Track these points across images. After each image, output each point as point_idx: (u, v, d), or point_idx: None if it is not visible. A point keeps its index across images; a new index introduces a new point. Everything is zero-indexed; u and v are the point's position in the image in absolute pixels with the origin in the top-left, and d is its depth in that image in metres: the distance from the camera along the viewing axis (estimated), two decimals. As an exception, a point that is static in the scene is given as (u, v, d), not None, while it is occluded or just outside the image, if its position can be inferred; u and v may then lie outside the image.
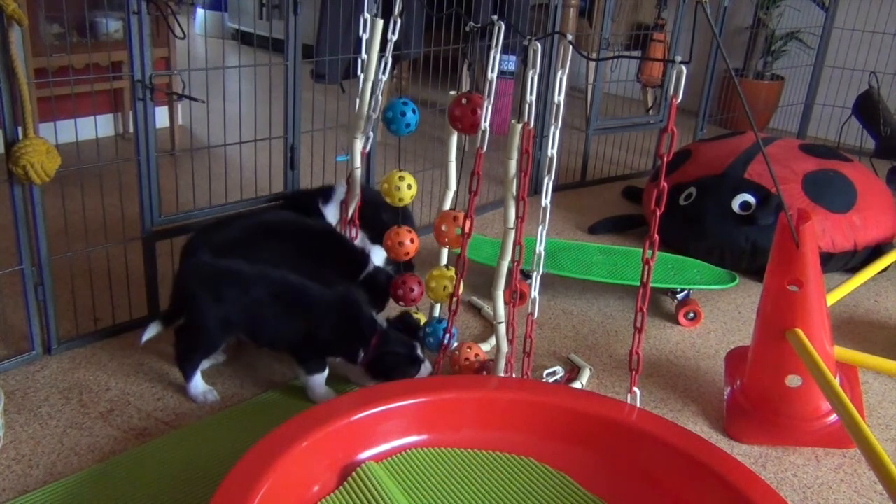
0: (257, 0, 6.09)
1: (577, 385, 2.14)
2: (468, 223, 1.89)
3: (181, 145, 3.76)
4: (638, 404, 1.80)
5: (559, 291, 2.70)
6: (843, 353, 2.12)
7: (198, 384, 1.99)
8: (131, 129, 3.55)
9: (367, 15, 2.18)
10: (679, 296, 2.60)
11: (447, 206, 2.09)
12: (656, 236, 1.71)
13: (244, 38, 6.00)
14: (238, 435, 1.86)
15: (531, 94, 1.78)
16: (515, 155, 1.81)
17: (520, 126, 1.79)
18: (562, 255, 2.71)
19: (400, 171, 2.11)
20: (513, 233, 1.85)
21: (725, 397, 2.13)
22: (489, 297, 1.99)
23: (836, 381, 1.74)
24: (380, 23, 2.12)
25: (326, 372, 2.00)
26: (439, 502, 1.64)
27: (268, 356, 2.18)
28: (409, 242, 2.10)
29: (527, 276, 2.51)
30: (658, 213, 1.70)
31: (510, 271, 1.89)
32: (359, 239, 2.36)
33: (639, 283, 1.76)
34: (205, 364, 2.04)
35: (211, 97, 2.45)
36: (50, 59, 3.09)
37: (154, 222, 2.21)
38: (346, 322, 1.97)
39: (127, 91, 3.59)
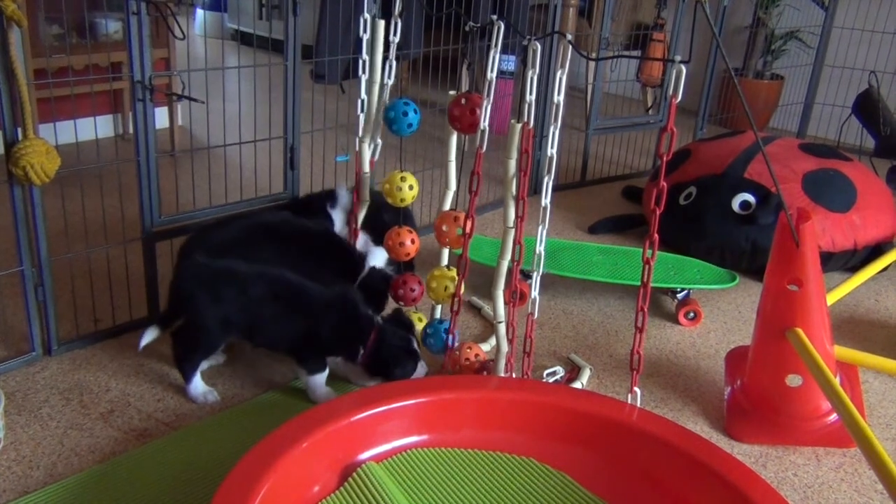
0: (257, 0, 6.09)
1: (577, 385, 2.14)
2: (469, 223, 1.89)
3: (181, 146, 3.76)
4: (638, 404, 1.80)
5: (559, 291, 2.70)
6: (843, 352, 2.12)
7: (198, 385, 1.99)
8: (131, 130, 3.56)
9: (366, 15, 2.17)
10: (679, 295, 2.60)
11: (447, 206, 2.09)
12: (656, 236, 1.71)
13: (244, 39, 5.99)
14: (238, 435, 1.86)
15: (531, 93, 1.78)
16: (515, 155, 1.81)
17: (519, 126, 1.79)
18: (562, 255, 2.71)
19: (401, 171, 2.11)
20: (513, 232, 1.85)
21: (726, 397, 2.13)
22: (489, 296, 1.99)
23: (836, 381, 1.74)
24: (382, 24, 2.12)
25: (327, 372, 2.00)
26: (440, 502, 1.64)
27: (268, 357, 2.18)
28: (410, 243, 2.10)
29: (527, 275, 2.51)
30: (658, 213, 1.70)
31: (510, 271, 1.89)
32: (361, 240, 2.35)
33: (639, 283, 1.76)
34: (204, 365, 2.04)
35: (210, 98, 2.45)
36: (49, 60, 3.09)
37: (154, 223, 2.21)
38: (346, 320, 1.98)
39: (126, 92, 3.59)
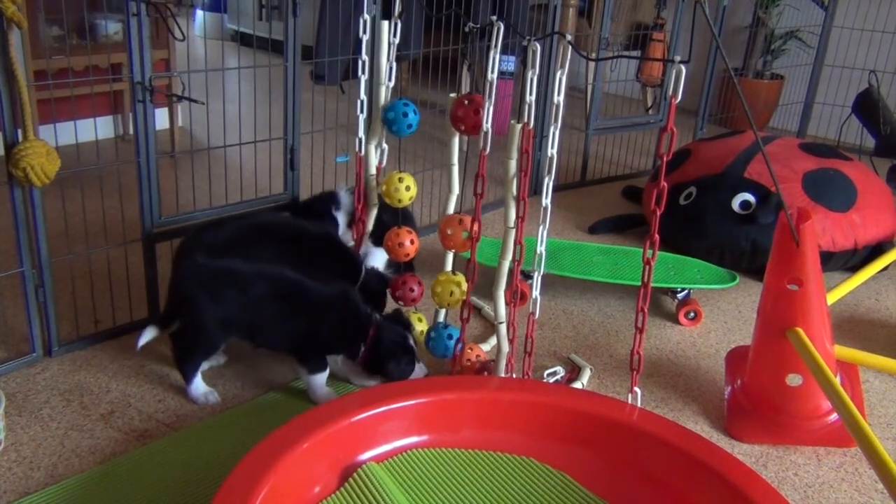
0: (257, 1, 6.09)
1: (577, 385, 2.14)
2: (476, 227, 1.89)
3: (181, 147, 3.76)
4: (639, 404, 1.80)
5: (560, 291, 2.70)
6: (843, 351, 2.12)
7: (198, 386, 1.99)
8: (131, 131, 3.56)
9: (366, 16, 2.18)
10: (679, 295, 2.60)
11: (451, 209, 2.09)
12: (657, 236, 1.71)
13: (243, 40, 6.00)
14: (239, 436, 1.86)
15: (531, 94, 1.78)
16: (515, 155, 1.81)
17: (519, 126, 1.79)
18: (562, 255, 2.71)
19: (400, 172, 2.11)
20: (513, 233, 1.85)
21: (726, 397, 2.13)
22: (490, 297, 1.99)
23: (836, 380, 1.74)
24: (385, 25, 2.12)
25: (327, 371, 2.00)
26: (440, 503, 1.64)
27: (268, 357, 2.18)
28: (409, 243, 2.10)
29: (527, 276, 2.51)
30: (658, 213, 1.70)
31: (511, 271, 1.89)
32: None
33: (639, 283, 1.76)
34: (205, 366, 2.04)
35: (210, 98, 2.45)
36: (49, 62, 3.09)
37: (154, 224, 2.21)
38: (346, 318, 1.98)
39: (126, 93, 3.59)
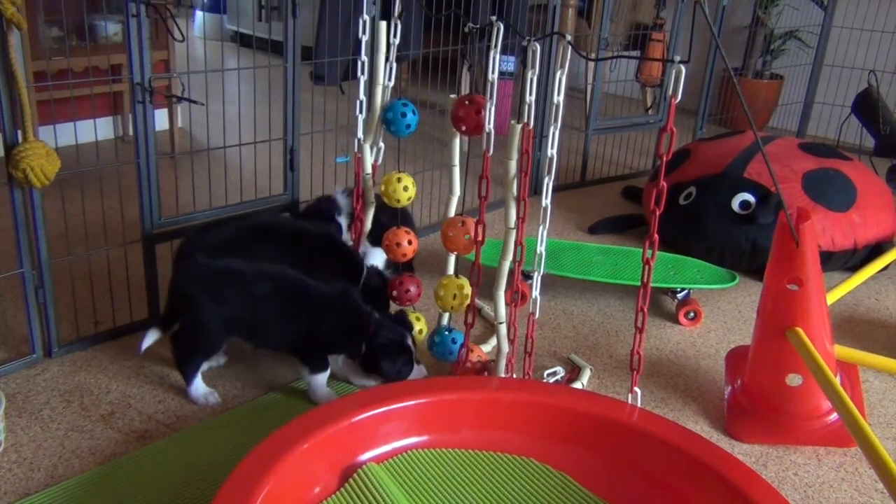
0: (256, 2, 6.09)
1: (577, 385, 2.14)
2: (480, 230, 1.89)
3: (181, 148, 3.76)
4: (639, 404, 1.80)
5: (560, 292, 2.71)
6: (843, 351, 2.12)
7: (199, 386, 1.99)
8: (131, 132, 3.56)
9: (366, 17, 2.18)
10: (679, 295, 2.60)
11: (453, 211, 2.09)
12: (656, 236, 1.71)
13: (243, 41, 5.99)
14: (239, 437, 1.86)
15: (530, 94, 1.78)
16: (515, 155, 1.81)
17: (519, 126, 1.79)
18: (562, 256, 2.71)
19: (399, 172, 2.11)
20: (513, 233, 1.85)
21: (726, 396, 2.13)
22: (490, 297, 1.99)
23: (836, 380, 1.74)
24: (384, 26, 2.12)
25: (329, 371, 2.01)
26: (441, 503, 1.64)
27: (268, 358, 2.18)
28: (408, 244, 2.10)
29: (527, 276, 2.51)
30: (658, 213, 1.70)
31: (511, 272, 1.89)
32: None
33: (639, 283, 1.76)
34: (204, 366, 2.04)
35: (210, 99, 2.45)
36: (49, 63, 3.09)
37: (154, 225, 2.21)
38: (347, 317, 1.97)
39: (126, 94, 3.59)
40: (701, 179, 3.02)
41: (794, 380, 1.94)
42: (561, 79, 1.77)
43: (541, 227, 1.86)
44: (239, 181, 3.01)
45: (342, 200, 2.45)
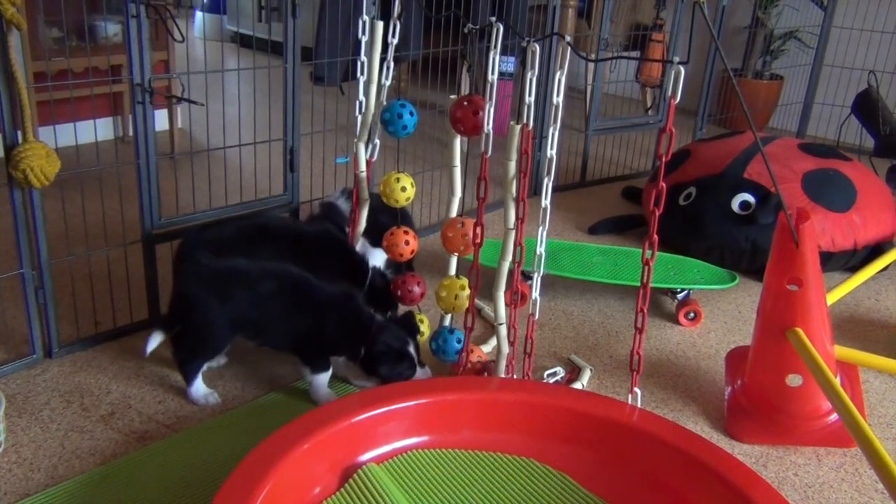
0: (256, 3, 6.09)
1: (577, 386, 2.14)
2: (478, 231, 1.89)
3: (181, 148, 3.76)
4: (639, 404, 1.80)
5: (559, 292, 2.71)
6: (843, 351, 2.12)
7: (199, 387, 1.99)
8: (131, 133, 3.56)
9: (366, 17, 2.18)
10: (679, 296, 2.60)
11: (454, 212, 2.09)
12: (656, 236, 1.71)
13: (243, 41, 6.00)
14: (239, 437, 1.86)
15: (530, 95, 1.78)
16: (515, 156, 1.81)
17: (519, 127, 1.79)
18: (562, 256, 2.71)
19: (398, 172, 2.11)
20: (513, 234, 1.85)
21: (726, 397, 2.13)
22: (490, 298, 1.99)
23: (836, 381, 1.74)
24: (380, 26, 2.12)
25: (330, 372, 2.01)
26: (441, 503, 1.64)
27: (269, 358, 2.18)
28: (405, 244, 2.10)
29: (527, 277, 2.51)
30: (657, 214, 1.70)
31: (511, 272, 1.89)
32: (359, 243, 2.35)
33: (639, 284, 1.76)
34: (204, 367, 2.04)
35: (210, 100, 2.45)
36: (49, 63, 3.09)
37: (154, 225, 2.21)
38: (348, 319, 1.97)
39: (126, 94, 3.59)
40: (701, 180, 3.02)
41: (794, 380, 1.94)
42: (560, 79, 1.77)
43: (540, 228, 1.86)
44: (239, 182, 3.01)
45: (344, 206, 2.44)
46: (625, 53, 4.47)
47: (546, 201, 1.83)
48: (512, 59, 4.12)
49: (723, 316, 2.64)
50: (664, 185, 1.67)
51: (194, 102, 2.30)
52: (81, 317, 2.27)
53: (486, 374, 2.03)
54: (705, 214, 2.90)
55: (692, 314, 2.54)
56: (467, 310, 1.97)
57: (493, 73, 1.82)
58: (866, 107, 3.64)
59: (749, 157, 3.00)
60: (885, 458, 1.47)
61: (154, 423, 1.91)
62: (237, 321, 1.94)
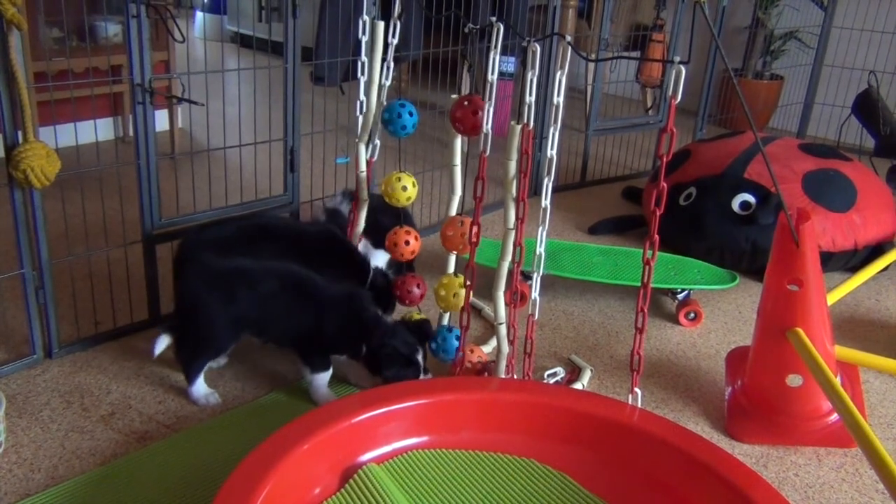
0: (256, 3, 6.09)
1: (577, 386, 2.14)
2: (475, 230, 1.89)
3: (181, 148, 3.76)
4: (639, 405, 1.80)
5: (560, 292, 2.71)
6: (843, 352, 2.12)
7: (200, 387, 1.99)
8: (131, 133, 3.56)
9: (366, 17, 2.18)
10: (679, 296, 2.60)
11: (454, 211, 2.09)
12: (656, 237, 1.71)
13: (243, 41, 6.00)
14: (239, 437, 1.86)
15: (530, 95, 1.78)
16: (515, 156, 1.81)
17: (519, 127, 1.79)
18: (562, 256, 2.71)
19: (400, 172, 2.11)
20: (513, 234, 1.85)
21: (726, 397, 2.13)
22: (490, 298, 1.99)
23: (836, 381, 1.74)
24: (381, 26, 2.12)
25: (330, 371, 2.00)
26: (441, 503, 1.64)
27: (269, 359, 2.18)
28: (405, 244, 2.10)
29: (527, 277, 2.50)
30: (658, 214, 1.70)
31: (511, 272, 1.89)
32: (360, 244, 2.35)
33: (639, 284, 1.76)
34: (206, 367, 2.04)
35: (210, 100, 2.45)
36: (49, 63, 3.09)
37: (154, 225, 2.21)
38: (350, 318, 1.97)
39: (126, 95, 3.59)
40: (701, 180, 3.02)
41: (794, 380, 1.94)
42: (561, 79, 1.77)
43: (540, 228, 1.86)
44: (239, 182, 3.01)
45: (345, 209, 2.44)
46: (625, 53, 4.47)
47: (546, 201, 1.83)
48: (512, 59, 4.12)
49: (723, 316, 2.63)
50: (665, 185, 1.67)
51: (194, 102, 2.30)
52: (81, 317, 2.27)
53: (486, 374, 2.03)
54: (706, 215, 2.90)
55: (692, 314, 2.54)
56: (462, 307, 1.97)
57: (493, 73, 1.82)
58: (866, 107, 3.63)
59: (749, 158, 3.00)
60: (886, 459, 1.47)
61: (154, 424, 1.91)
62: (241, 320, 1.95)
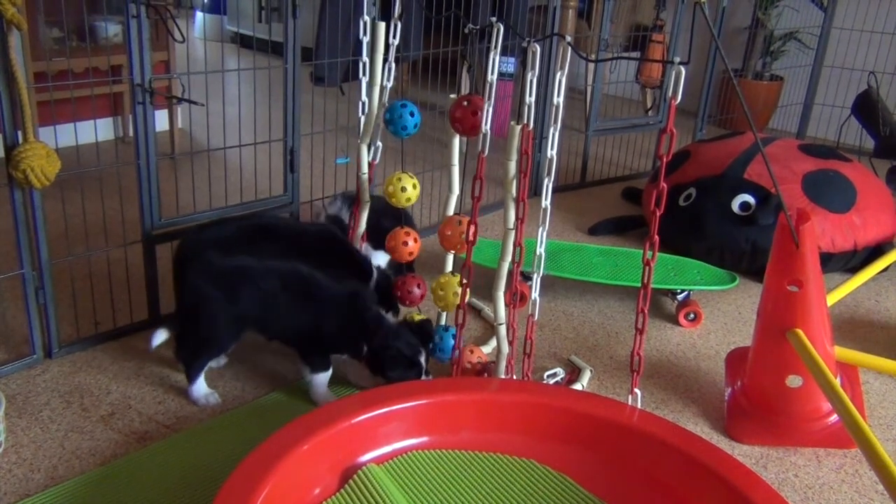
0: (256, 3, 6.09)
1: (577, 386, 2.14)
2: (472, 229, 1.89)
3: (181, 149, 3.76)
4: (639, 405, 1.80)
5: (559, 293, 2.71)
6: (843, 353, 2.12)
7: (200, 387, 1.99)
8: (131, 133, 3.56)
9: (366, 17, 2.18)
10: (679, 297, 2.60)
11: (451, 210, 2.09)
12: (656, 237, 1.71)
13: (243, 42, 6.00)
14: (239, 438, 1.86)
15: (530, 95, 1.78)
16: (515, 156, 1.81)
17: (519, 127, 1.79)
18: (562, 257, 2.71)
19: (402, 172, 2.11)
20: (513, 234, 1.85)
21: (726, 398, 2.13)
22: (490, 298, 1.99)
23: (836, 382, 1.74)
24: (382, 27, 2.12)
25: (330, 372, 2.00)
26: (441, 504, 1.64)
27: (269, 358, 2.18)
28: (404, 245, 2.10)
29: (527, 277, 2.50)
30: (658, 214, 1.70)
31: (510, 273, 1.89)
32: (362, 247, 2.35)
33: (639, 285, 1.76)
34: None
35: (210, 100, 2.45)
36: (49, 63, 3.09)
37: (154, 225, 2.21)
38: (351, 317, 1.97)
39: (126, 95, 3.59)
40: (701, 181, 3.02)
41: (794, 381, 1.94)
42: (561, 80, 1.77)
43: (540, 229, 1.86)
44: (239, 182, 3.01)
45: (346, 215, 2.43)
46: (625, 54, 4.47)
47: (546, 202, 1.83)
48: (512, 59, 4.12)
49: (723, 317, 2.64)
50: (665, 185, 1.67)
51: (194, 103, 2.30)
52: (81, 317, 2.27)
53: (486, 374, 2.03)
54: (705, 215, 2.90)
55: (692, 315, 2.54)
56: (458, 306, 1.97)
57: (492, 74, 1.82)
58: (866, 108, 3.63)
59: (749, 158, 3.00)
60: (886, 460, 1.47)
61: (154, 424, 1.91)
62: (244, 319, 1.95)
